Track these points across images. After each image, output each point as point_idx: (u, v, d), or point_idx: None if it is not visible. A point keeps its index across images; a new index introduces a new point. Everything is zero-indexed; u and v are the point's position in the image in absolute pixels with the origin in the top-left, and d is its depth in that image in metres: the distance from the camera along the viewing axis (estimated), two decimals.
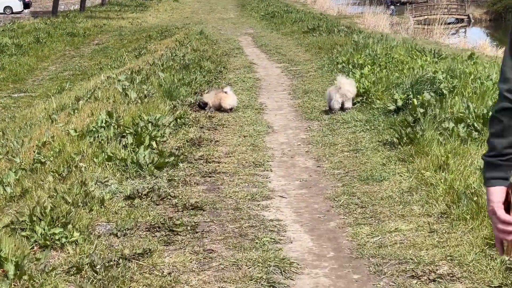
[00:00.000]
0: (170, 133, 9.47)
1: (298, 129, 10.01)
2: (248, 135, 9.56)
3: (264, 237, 5.92)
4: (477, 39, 33.55)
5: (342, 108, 10.66)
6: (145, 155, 8.07)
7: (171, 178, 7.62)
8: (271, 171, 8.02)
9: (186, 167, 8.08)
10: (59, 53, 28.42)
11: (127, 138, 8.83)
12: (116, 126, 9.26)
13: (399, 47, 15.21)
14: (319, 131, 9.75)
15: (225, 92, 10.96)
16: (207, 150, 8.80)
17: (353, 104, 10.80)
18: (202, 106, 10.98)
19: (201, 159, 8.44)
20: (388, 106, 9.86)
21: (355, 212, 6.51)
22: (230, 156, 8.56)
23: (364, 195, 6.93)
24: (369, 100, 10.92)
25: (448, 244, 5.51)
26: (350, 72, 13.06)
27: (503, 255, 2.51)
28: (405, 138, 8.26)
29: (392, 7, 54.29)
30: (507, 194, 2.46)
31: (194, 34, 24.49)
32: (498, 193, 2.46)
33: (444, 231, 5.80)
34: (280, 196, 7.12)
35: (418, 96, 9.24)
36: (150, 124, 9.39)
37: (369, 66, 12.33)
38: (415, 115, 8.70)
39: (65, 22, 34.77)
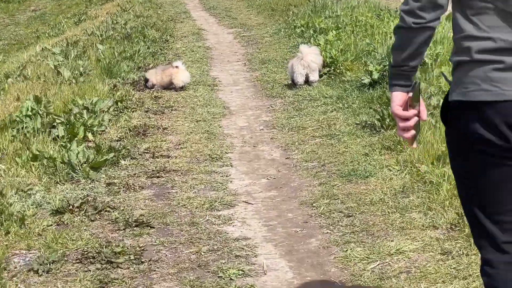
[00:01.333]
0: (109, 120, 8.04)
1: (259, 109, 8.65)
2: (201, 119, 8.18)
3: (229, 268, 4.58)
4: None
5: (307, 82, 9.32)
6: (78, 153, 6.64)
7: (110, 182, 6.24)
8: (232, 166, 6.69)
9: (129, 164, 6.70)
10: None
11: (57, 129, 7.40)
12: (45, 114, 7.81)
13: (362, 7, 13.83)
14: (283, 111, 8.40)
15: (176, 67, 9.52)
16: (154, 141, 7.42)
17: (320, 76, 9.45)
18: (149, 85, 9.53)
19: (147, 152, 7.06)
20: (362, 79, 8.55)
21: (340, 223, 5.21)
22: (181, 148, 7.20)
23: (349, 198, 5.63)
24: (338, 71, 9.60)
25: (470, 273, 4.24)
26: (312, 38, 11.69)
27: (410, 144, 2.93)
28: (387, 120, 6.96)
29: None
30: (408, 98, 2.82)
31: None
32: (398, 97, 2.83)
33: (460, 252, 4.52)
34: (245, 202, 5.80)
35: None
36: (85, 111, 7.97)
37: (333, 31, 10.94)
38: None
39: None
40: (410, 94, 2.84)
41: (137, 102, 8.92)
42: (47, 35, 22.25)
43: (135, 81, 9.85)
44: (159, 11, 19.40)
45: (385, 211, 5.27)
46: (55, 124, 7.55)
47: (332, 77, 9.57)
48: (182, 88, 9.48)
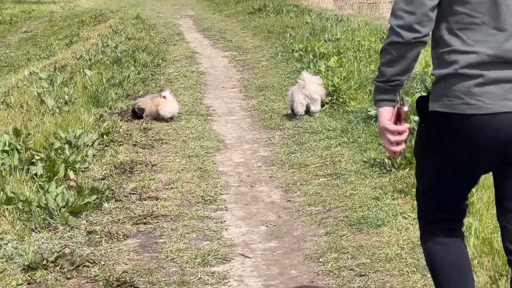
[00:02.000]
0: (93, 155, 7.37)
1: (256, 143, 7.99)
2: (194, 155, 7.50)
3: None
4: None
5: (308, 112, 8.67)
6: (57, 195, 5.98)
7: (91, 229, 5.57)
8: (227, 210, 6.02)
9: (113, 208, 6.04)
10: None
11: (36, 167, 6.74)
12: (23, 150, 7.14)
13: (363, 29, 13.21)
14: (283, 146, 7.74)
15: (164, 97, 8.87)
16: (142, 180, 6.74)
17: (322, 106, 8.79)
18: (138, 113, 8.86)
19: (133, 193, 6.40)
20: (368, 111, 7.89)
21: (352, 284, 4.55)
22: (171, 188, 6.53)
23: (360, 252, 4.97)
24: (341, 100, 8.95)
25: None
26: (312, 64, 11.05)
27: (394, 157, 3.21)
28: (400, 158, 6.28)
29: None
30: (398, 112, 2.90)
31: (129, 19, 22.25)
32: (387, 111, 2.92)
33: None
34: (242, 255, 5.13)
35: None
36: (68, 145, 7.31)
37: (335, 57, 10.29)
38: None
39: None
40: (405, 108, 2.91)
41: (124, 135, 8.25)
42: (38, 57, 21.66)
43: (123, 110, 9.17)
44: (152, 33, 18.77)
45: (403, 270, 4.60)
46: (34, 160, 6.88)
47: (335, 107, 8.92)
48: (171, 119, 8.81)
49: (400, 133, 2.93)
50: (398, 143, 2.94)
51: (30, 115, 8.87)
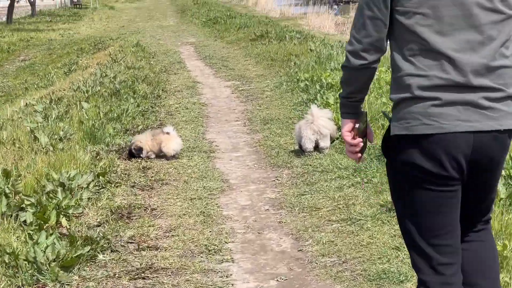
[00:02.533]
0: (88, 199, 6.87)
1: (263, 182, 7.47)
2: (196, 197, 6.99)
3: None
4: None
5: (317, 148, 8.16)
6: (47, 247, 5.47)
7: (84, 286, 5.03)
8: (233, 261, 5.50)
9: (109, 260, 5.52)
10: None
11: (26, 213, 6.25)
12: (12, 194, 6.64)
13: None
14: (291, 186, 7.22)
15: (167, 133, 8.36)
16: (140, 226, 6.23)
17: (331, 141, 8.28)
18: (136, 153, 8.34)
19: (131, 242, 5.88)
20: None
21: None
22: (172, 235, 6.02)
23: None
24: None
25: None
26: (319, 95, 10.56)
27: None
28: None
29: (335, 6, 52.11)
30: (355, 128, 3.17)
31: (129, 47, 21.81)
32: (347, 124, 3.18)
33: None
34: None
35: None
36: (61, 188, 6.79)
37: None
38: None
39: None
40: (357, 125, 3.15)
41: (122, 175, 7.74)
42: (36, 87, 21.26)
43: (121, 148, 8.66)
44: (152, 61, 18.32)
45: None
46: (24, 205, 6.39)
47: None
48: (173, 157, 8.31)
49: (354, 145, 3.18)
50: (354, 153, 3.21)
51: (22, 153, 8.37)
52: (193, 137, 9.56)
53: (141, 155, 8.29)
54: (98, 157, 8.17)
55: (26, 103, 13.83)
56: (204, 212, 6.54)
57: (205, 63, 17.91)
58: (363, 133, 3.19)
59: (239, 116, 11.01)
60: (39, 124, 9.96)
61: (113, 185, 7.34)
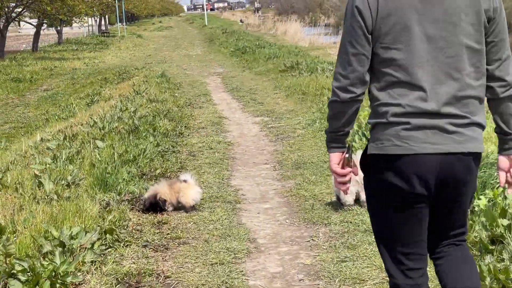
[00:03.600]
0: (92, 262, 5.85)
1: (296, 243, 6.41)
2: (218, 262, 5.94)
3: None
4: None
5: (358, 201, 7.09)
6: None
7: None
8: None
9: None
10: (1, 102, 24.63)
11: (15, 282, 5.28)
12: (3, 256, 5.67)
13: None
14: (329, 249, 6.15)
15: (184, 181, 7.35)
16: None
17: None
18: (162, 206, 7.33)
19: None
20: None
21: None
22: None
23: None
24: None
25: None
26: (357, 136, 9.51)
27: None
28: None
29: None
30: (344, 158, 3.43)
31: (154, 77, 20.95)
32: (336, 157, 3.45)
33: None
34: None
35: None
36: (59, 250, 5.80)
37: None
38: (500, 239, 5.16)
39: (11, 65, 30.87)
40: (346, 155, 3.43)
41: (133, 231, 6.73)
42: (56, 118, 20.49)
43: (135, 197, 7.63)
44: (177, 93, 17.40)
45: None
46: (14, 272, 5.41)
47: None
48: (193, 208, 7.29)
49: (344, 175, 3.44)
50: (343, 184, 3.48)
51: (23, 201, 7.39)
52: (217, 184, 8.52)
53: (165, 208, 7.28)
54: (107, 209, 7.16)
55: (42, 138, 12.95)
56: (226, 282, 5.50)
57: (232, 96, 16.96)
58: (350, 164, 3.44)
59: (268, 158, 9.96)
60: (48, 165, 9.01)
61: (122, 245, 6.33)
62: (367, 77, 3.30)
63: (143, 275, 5.68)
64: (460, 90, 3.26)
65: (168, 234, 6.69)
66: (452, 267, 3.54)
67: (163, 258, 6.09)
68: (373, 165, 3.38)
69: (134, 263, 5.96)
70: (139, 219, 7.14)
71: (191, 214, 7.27)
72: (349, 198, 7.05)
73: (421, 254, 3.48)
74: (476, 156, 3.35)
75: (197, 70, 24.52)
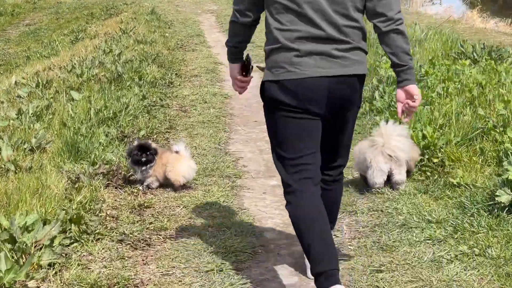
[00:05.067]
0: (50, 265, 4.49)
1: None
2: (214, 268, 4.56)
3: None
4: (454, 6, 28.18)
5: (390, 182, 5.70)
6: None
7: None
8: None
9: None
10: None
11: None
12: None
13: (434, 41, 10.13)
14: (359, 251, 4.77)
15: (176, 152, 5.93)
16: None
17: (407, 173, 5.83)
18: (153, 185, 5.96)
19: None
20: (495, 193, 4.88)
21: None
22: None
23: None
24: (438, 163, 5.95)
25: None
26: (377, 93, 8.06)
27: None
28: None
29: None
30: (242, 67, 4.00)
31: (143, 14, 19.32)
32: (235, 68, 4.03)
33: None
34: None
35: None
36: (7, 246, 4.46)
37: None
38: None
39: None
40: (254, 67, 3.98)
41: (107, 218, 5.32)
42: (38, 56, 19.07)
43: (112, 170, 6.18)
44: (167, 33, 15.81)
45: None
46: None
47: (429, 174, 5.93)
48: (183, 187, 5.89)
49: (244, 81, 4.06)
50: (242, 88, 4.10)
51: None
52: (212, 150, 7.11)
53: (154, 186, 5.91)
54: (77, 185, 5.74)
55: (16, 82, 11.51)
56: None
57: None
58: (250, 71, 4.03)
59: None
60: (11, 121, 7.58)
61: (91, 238, 4.93)
62: (261, 4, 3.78)
63: (116, 284, 4.29)
64: (343, 20, 3.65)
65: (151, 223, 5.28)
66: (328, 199, 4.02)
67: (143, 260, 4.70)
68: (268, 89, 3.76)
69: (105, 266, 4.57)
70: (115, 200, 5.73)
71: (181, 194, 5.86)
72: (379, 179, 5.66)
73: (312, 164, 3.85)
74: (360, 78, 3.78)
75: (190, 7, 22.85)
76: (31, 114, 7.78)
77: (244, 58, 3.97)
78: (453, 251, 4.55)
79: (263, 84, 3.79)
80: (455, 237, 4.73)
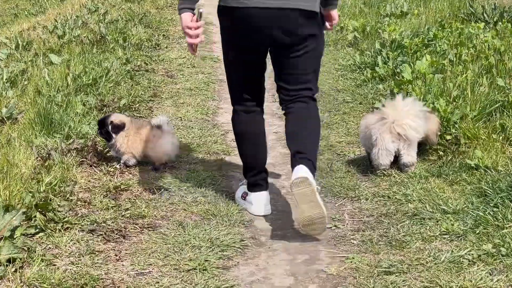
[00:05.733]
0: (10, 261, 3.88)
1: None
2: (197, 266, 3.96)
3: None
4: None
5: (397, 162, 5.07)
6: None
7: None
8: None
9: None
10: None
11: None
12: None
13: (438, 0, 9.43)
14: (362, 246, 4.17)
15: (158, 127, 5.27)
16: None
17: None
18: (130, 162, 5.32)
19: None
20: None
21: None
22: None
23: None
24: (449, 142, 5.32)
25: None
26: (380, 58, 7.40)
27: (194, 54, 4.19)
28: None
29: None
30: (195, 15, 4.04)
31: None
32: (188, 16, 4.03)
33: None
34: None
35: None
36: None
37: (427, 56, 6.50)
38: None
39: None
40: (201, 10, 4.02)
41: (78, 203, 4.69)
42: (26, 13, 18.41)
43: (87, 145, 5.53)
44: None
45: None
46: None
47: (441, 154, 5.30)
48: (165, 166, 5.25)
49: (197, 28, 4.03)
50: (197, 36, 4.04)
51: None
52: (199, 122, 6.47)
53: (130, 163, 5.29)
54: (47, 163, 5.10)
55: None
56: None
57: None
58: (199, 19, 4.03)
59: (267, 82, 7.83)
60: None
61: (58, 228, 4.30)
62: None
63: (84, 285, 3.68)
64: None
65: (127, 209, 4.65)
66: (294, 119, 4.31)
67: (116, 255, 4.08)
68: (222, 13, 4.19)
69: (72, 263, 3.94)
70: (88, 181, 5.09)
71: (162, 174, 5.22)
72: (385, 160, 5.03)
73: (257, 91, 4.46)
74: (306, 13, 4.09)
75: None
76: (5, 80, 7.11)
77: (196, 12, 4.04)
78: (475, 250, 3.92)
79: (218, 7, 4.18)
80: (477, 232, 4.10)
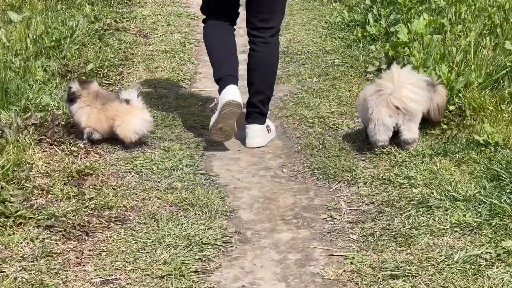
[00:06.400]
0: None
1: (306, 224, 3.89)
2: (172, 271, 3.40)
3: None
4: None
5: (396, 137, 4.51)
6: None
7: None
8: None
9: None
10: None
11: None
12: None
13: None
14: (363, 242, 3.63)
15: (126, 101, 4.65)
16: None
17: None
18: (94, 136, 4.71)
19: None
20: None
21: None
22: None
23: None
24: (453, 114, 4.76)
25: None
26: (371, 15, 6.80)
27: None
28: None
29: None
30: None
31: None
32: None
33: None
34: None
35: None
36: None
37: (424, 15, 5.87)
38: None
39: None
40: None
41: (34, 191, 4.09)
42: None
43: (46, 120, 4.92)
44: None
45: None
46: None
47: (445, 128, 4.74)
48: (135, 144, 4.65)
49: None
50: None
51: None
52: (175, 91, 5.86)
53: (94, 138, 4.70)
54: None
55: None
56: None
57: None
58: None
59: (246, 41, 7.20)
60: None
61: (9, 223, 3.72)
62: None
63: None
64: None
65: (92, 199, 4.06)
66: (257, 58, 4.83)
67: (77, 258, 3.51)
68: None
69: (25, 269, 3.37)
70: (48, 164, 4.49)
71: (133, 154, 4.63)
72: (381, 135, 4.46)
73: (225, 9, 4.87)
74: None
75: None
76: None
77: None
78: (493, 247, 3.39)
79: None
80: (493, 224, 3.56)
